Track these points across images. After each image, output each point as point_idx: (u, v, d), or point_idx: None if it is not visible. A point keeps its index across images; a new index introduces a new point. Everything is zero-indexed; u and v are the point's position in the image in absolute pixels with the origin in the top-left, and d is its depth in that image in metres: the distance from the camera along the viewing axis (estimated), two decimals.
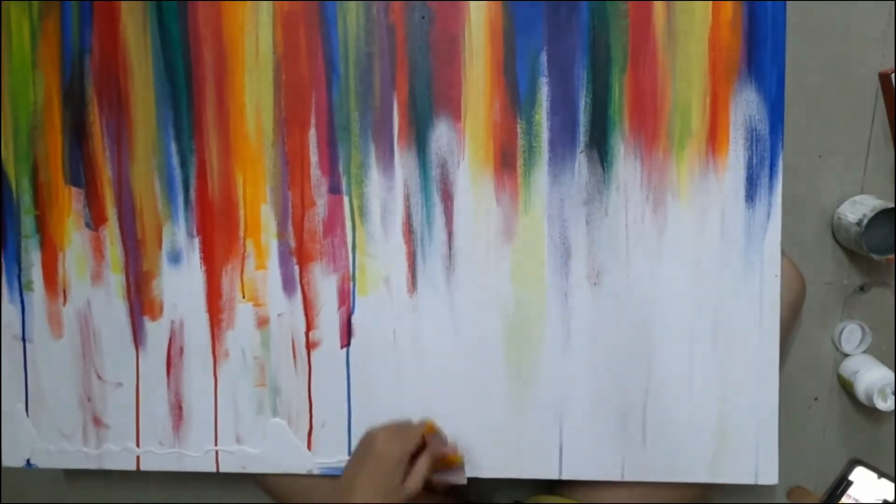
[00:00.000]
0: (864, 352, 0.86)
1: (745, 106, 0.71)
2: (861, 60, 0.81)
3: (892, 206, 0.78)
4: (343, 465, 0.75)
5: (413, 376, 0.74)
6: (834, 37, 0.80)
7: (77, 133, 0.74)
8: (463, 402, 0.74)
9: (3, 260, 0.76)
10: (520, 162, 0.72)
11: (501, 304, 0.73)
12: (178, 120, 0.74)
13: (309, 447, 0.75)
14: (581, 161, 0.72)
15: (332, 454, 0.75)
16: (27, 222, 0.75)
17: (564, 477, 0.74)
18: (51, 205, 0.75)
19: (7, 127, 0.75)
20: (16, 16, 0.73)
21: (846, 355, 0.86)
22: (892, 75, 0.79)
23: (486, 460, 0.75)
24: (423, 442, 0.68)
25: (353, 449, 0.75)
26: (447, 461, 0.72)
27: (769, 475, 0.73)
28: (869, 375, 0.82)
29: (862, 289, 0.84)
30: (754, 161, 0.71)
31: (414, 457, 0.67)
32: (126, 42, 0.73)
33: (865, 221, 0.78)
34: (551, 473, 0.74)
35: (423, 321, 0.74)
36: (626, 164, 0.72)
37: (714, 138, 0.71)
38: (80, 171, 0.75)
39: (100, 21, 0.73)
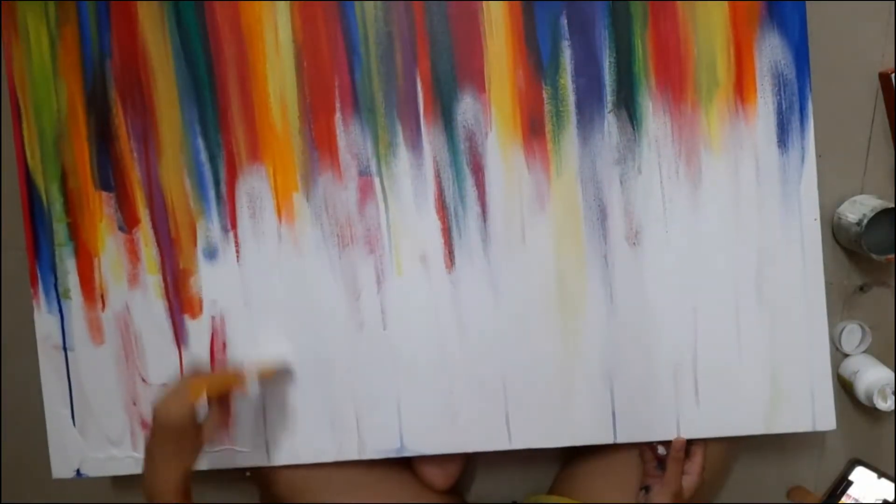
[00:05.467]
0: (864, 352, 0.86)
1: (770, 52, 0.71)
2: (861, 60, 0.82)
3: (892, 206, 0.78)
4: (398, 448, 0.74)
5: (457, 352, 0.74)
6: (834, 37, 0.80)
7: (103, 137, 0.74)
8: (510, 374, 0.74)
9: (38, 270, 0.76)
10: (548, 127, 0.72)
11: (541, 271, 0.73)
12: (204, 116, 0.74)
13: (359, 432, 0.75)
14: (610, 121, 0.72)
15: (384, 438, 0.75)
16: (60, 230, 0.75)
17: (620, 441, 0.74)
18: (82, 211, 0.75)
19: (33, 137, 0.75)
20: (33, 24, 0.74)
21: (846, 355, 0.86)
22: (892, 75, 0.79)
23: (539, 431, 0.74)
24: (218, 387, 0.67)
25: (401, 431, 0.75)
26: (230, 385, 0.69)
27: (827, 421, 0.72)
28: (869, 375, 0.82)
29: (862, 289, 0.84)
30: (783, 106, 0.71)
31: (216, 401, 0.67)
32: (146, 43, 0.74)
33: (865, 221, 0.77)
34: (606, 438, 0.74)
35: (464, 295, 0.74)
36: (655, 120, 0.71)
37: (741, 87, 0.71)
38: (109, 175, 0.75)
39: (118, 24, 0.73)
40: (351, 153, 0.73)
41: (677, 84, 0.71)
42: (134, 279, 0.75)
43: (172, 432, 0.62)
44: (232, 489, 0.89)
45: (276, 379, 0.74)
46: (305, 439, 0.75)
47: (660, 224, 0.72)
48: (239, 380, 0.70)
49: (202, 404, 0.65)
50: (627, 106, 0.71)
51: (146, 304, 0.75)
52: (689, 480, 0.71)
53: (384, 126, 0.73)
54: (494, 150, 0.73)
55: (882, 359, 0.85)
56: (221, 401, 0.68)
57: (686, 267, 0.72)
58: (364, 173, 0.74)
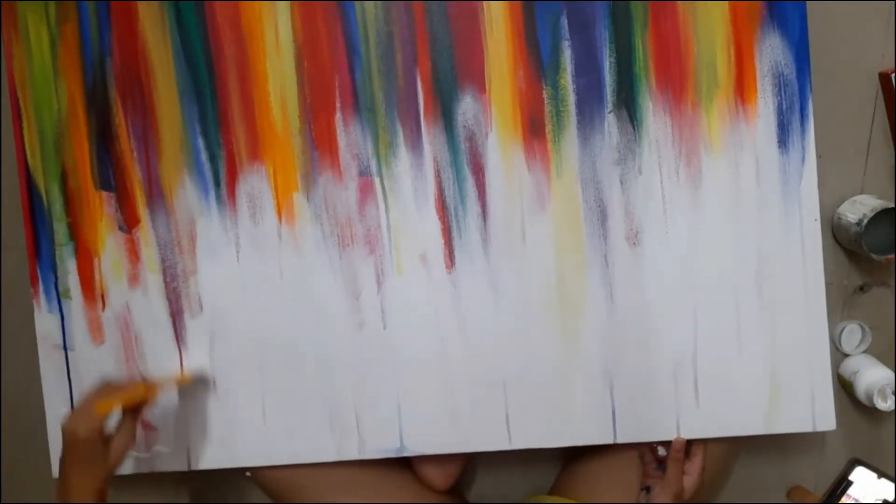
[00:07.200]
0: (864, 352, 0.86)
1: (770, 52, 0.71)
2: (861, 60, 0.82)
3: (892, 206, 0.78)
4: (398, 447, 0.74)
5: (457, 352, 0.74)
6: (834, 37, 0.80)
7: (103, 137, 0.74)
8: (510, 374, 0.74)
9: (38, 270, 0.76)
10: (548, 127, 0.72)
11: (541, 271, 0.73)
12: (204, 115, 0.74)
13: (359, 432, 0.75)
14: (610, 121, 0.72)
15: (384, 437, 0.75)
16: (60, 230, 0.75)
17: (620, 441, 0.74)
18: (82, 211, 0.75)
19: (33, 136, 0.75)
20: (34, 24, 0.74)
21: (846, 355, 0.86)
22: (892, 75, 0.79)
23: (539, 431, 0.74)
24: (128, 401, 0.67)
25: (401, 431, 0.75)
26: (140, 398, 0.68)
27: (827, 421, 0.72)
28: (869, 375, 0.82)
29: (862, 289, 0.85)
30: (784, 106, 0.71)
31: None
32: (146, 42, 0.73)
33: (865, 221, 0.77)
34: (606, 438, 0.74)
35: (464, 296, 0.74)
36: (655, 120, 0.71)
37: (742, 87, 0.71)
38: (110, 175, 0.75)
39: (118, 24, 0.73)
40: (351, 153, 0.73)
41: (678, 84, 0.71)
42: (134, 279, 0.75)
43: (82, 449, 0.63)
44: (232, 489, 0.89)
45: (194, 389, 0.74)
46: (305, 439, 0.75)
47: (660, 224, 0.72)
48: (150, 392, 0.69)
49: (113, 418, 0.65)
50: (628, 106, 0.71)
51: (146, 304, 0.75)
52: (690, 481, 0.72)
53: (384, 126, 0.73)
54: (495, 151, 0.73)
55: (882, 359, 0.85)
56: (132, 413, 0.67)
57: (686, 267, 0.72)
58: (364, 173, 0.74)
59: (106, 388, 0.67)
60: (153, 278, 0.75)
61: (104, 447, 0.64)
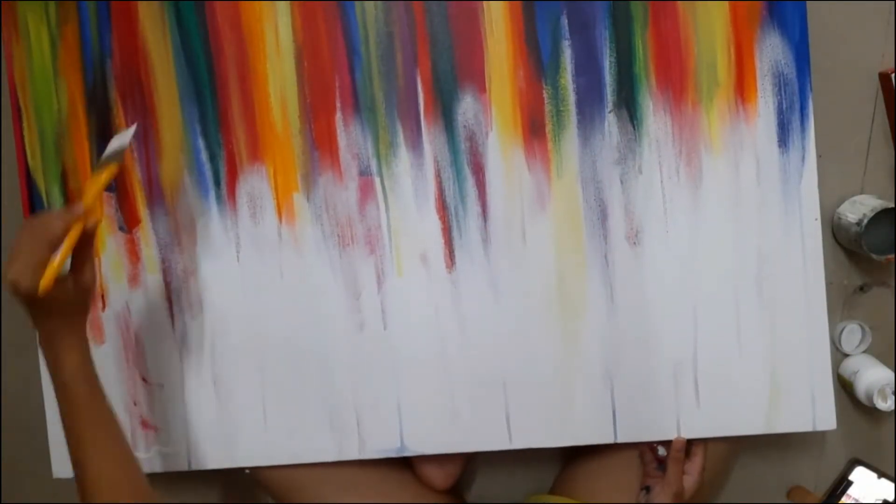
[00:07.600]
0: (864, 352, 0.86)
1: (770, 51, 0.71)
2: (861, 60, 0.82)
3: (892, 206, 0.78)
4: (398, 447, 0.74)
5: (457, 352, 0.74)
6: (834, 37, 0.80)
7: (103, 137, 0.74)
8: (510, 374, 0.74)
9: None
10: (549, 127, 0.72)
11: (542, 271, 0.73)
12: (204, 115, 0.74)
13: (359, 432, 0.75)
14: (610, 121, 0.72)
15: (384, 437, 0.75)
16: None
17: (620, 440, 0.74)
18: None
19: (33, 136, 0.75)
20: (34, 24, 0.74)
21: (846, 355, 0.86)
22: (893, 75, 0.79)
23: (540, 431, 0.74)
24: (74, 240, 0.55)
25: (401, 431, 0.74)
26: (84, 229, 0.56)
27: (827, 421, 0.72)
28: (869, 375, 0.82)
29: (862, 289, 0.85)
30: (784, 106, 0.71)
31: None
32: (146, 42, 0.73)
33: (865, 221, 0.78)
34: (606, 438, 0.74)
35: (464, 296, 0.74)
36: (655, 120, 0.71)
37: (742, 86, 0.71)
38: None
39: (118, 24, 0.73)
40: (351, 153, 0.73)
41: (678, 84, 0.71)
42: (134, 279, 0.75)
43: (47, 304, 0.54)
44: (232, 488, 0.89)
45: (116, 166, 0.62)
46: (305, 439, 0.75)
47: (660, 224, 0.72)
48: (90, 217, 0.57)
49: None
50: (628, 106, 0.71)
51: (146, 304, 0.75)
52: (690, 480, 0.72)
53: (384, 126, 0.73)
54: (495, 150, 0.73)
55: (882, 359, 0.85)
56: (83, 246, 0.57)
57: (686, 267, 0.72)
58: (364, 173, 0.74)
59: (39, 232, 0.54)
60: (153, 278, 0.75)
61: (72, 291, 0.56)
